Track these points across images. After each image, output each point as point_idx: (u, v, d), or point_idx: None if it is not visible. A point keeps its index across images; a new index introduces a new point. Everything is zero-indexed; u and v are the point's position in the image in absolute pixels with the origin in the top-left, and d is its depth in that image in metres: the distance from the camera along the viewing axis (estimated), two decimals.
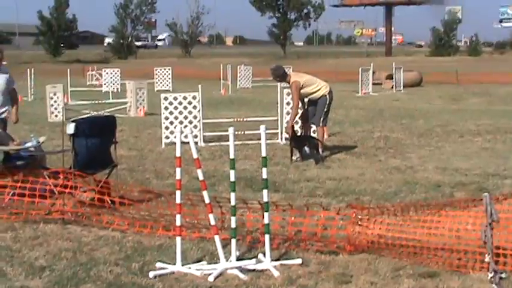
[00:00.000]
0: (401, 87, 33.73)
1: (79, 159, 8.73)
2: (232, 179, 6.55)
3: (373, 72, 34.18)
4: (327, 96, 12.83)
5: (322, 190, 9.98)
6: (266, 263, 6.53)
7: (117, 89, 33.66)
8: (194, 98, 14.94)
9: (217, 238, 6.55)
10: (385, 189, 10.01)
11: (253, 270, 6.43)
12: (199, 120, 14.96)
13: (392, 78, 34.68)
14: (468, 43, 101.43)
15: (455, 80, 40.19)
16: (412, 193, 9.71)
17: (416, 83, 37.16)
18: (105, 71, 36.85)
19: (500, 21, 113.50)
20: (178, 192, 6.61)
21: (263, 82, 35.89)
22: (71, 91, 29.00)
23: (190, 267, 6.47)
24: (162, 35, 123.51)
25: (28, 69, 32.10)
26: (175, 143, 6.71)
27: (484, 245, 5.88)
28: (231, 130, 6.51)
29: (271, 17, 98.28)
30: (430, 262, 6.42)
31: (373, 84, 33.19)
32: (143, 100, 22.49)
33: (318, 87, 12.81)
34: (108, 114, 17.59)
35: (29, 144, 9.78)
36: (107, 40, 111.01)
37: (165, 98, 14.98)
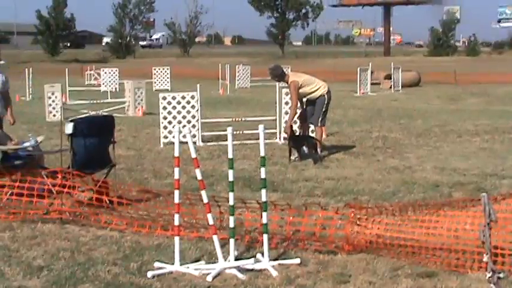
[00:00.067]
0: (400, 87, 33.74)
1: (77, 158, 8.73)
2: (230, 178, 6.55)
3: (372, 72, 34.17)
4: (325, 96, 12.83)
5: (321, 190, 9.98)
6: (264, 262, 6.53)
7: (116, 88, 33.62)
8: (193, 97, 14.94)
9: (215, 238, 6.55)
10: (383, 189, 10.01)
11: (252, 270, 6.43)
12: (198, 120, 14.96)
13: (390, 78, 34.68)
14: (466, 43, 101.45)
15: (454, 80, 40.19)
16: (410, 193, 9.71)
17: (414, 83, 37.16)
18: (103, 70, 36.80)
19: (499, 21, 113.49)
20: (176, 192, 6.61)
21: (261, 82, 35.89)
22: (69, 91, 28.99)
23: (188, 267, 6.47)
24: (157, 35, 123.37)
25: (26, 69, 32.08)
26: (173, 143, 6.71)
27: (482, 245, 5.89)
28: (229, 130, 6.51)
29: (270, 16, 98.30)
30: (428, 262, 6.43)
31: (372, 84, 33.18)
32: (141, 100, 22.47)
33: (316, 87, 12.82)
34: (106, 113, 17.58)
35: (27, 144, 9.77)
36: (105, 40, 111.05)
37: (164, 98, 14.97)
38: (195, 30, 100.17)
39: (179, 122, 14.64)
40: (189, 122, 14.82)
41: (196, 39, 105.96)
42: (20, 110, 23.76)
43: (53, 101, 21.16)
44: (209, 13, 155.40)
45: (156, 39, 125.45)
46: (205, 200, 6.62)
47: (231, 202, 6.55)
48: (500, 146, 14.29)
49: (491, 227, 5.87)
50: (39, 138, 10.09)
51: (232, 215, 6.56)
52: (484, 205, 5.83)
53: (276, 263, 6.56)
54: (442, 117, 20.14)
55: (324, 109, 12.82)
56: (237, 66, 38.66)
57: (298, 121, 13.47)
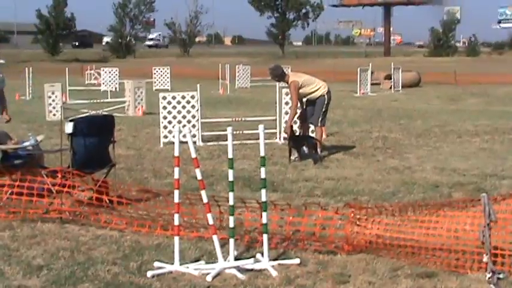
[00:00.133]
0: (400, 88, 33.73)
1: (77, 158, 8.73)
2: (230, 178, 6.55)
3: (372, 73, 34.17)
4: (325, 96, 12.83)
5: (321, 190, 9.98)
6: (264, 262, 6.53)
7: (116, 88, 33.60)
8: (193, 97, 14.94)
9: (215, 238, 6.55)
10: (383, 189, 10.01)
11: (251, 270, 6.43)
12: (198, 120, 14.96)
13: (390, 78, 34.67)
14: (467, 44, 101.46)
15: (454, 80, 40.19)
16: (410, 193, 9.71)
17: (414, 83, 37.15)
18: (103, 70, 36.80)
19: (499, 22, 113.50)
20: (176, 192, 6.61)
21: (261, 82, 35.88)
22: (69, 90, 28.99)
23: (188, 267, 6.47)
24: (153, 34, 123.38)
25: (26, 68, 32.08)
26: (173, 143, 6.71)
27: (482, 245, 5.89)
28: (229, 130, 6.51)
29: (270, 16, 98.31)
30: (428, 262, 6.43)
31: (372, 84, 33.17)
32: (142, 99, 22.47)
33: (316, 87, 12.82)
34: (106, 113, 17.57)
35: (27, 143, 9.77)
36: (106, 39, 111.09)
37: (164, 98, 14.97)
38: (195, 30, 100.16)
39: (179, 122, 14.64)
40: (189, 121, 14.82)
41: (197, 39, 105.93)
42: (20, 109, 23.79)
43: (53, 101, 21.16)
44: (209, 13, 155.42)
45: (152, 38, 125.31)
46: (205, 200, 6.62)
47: (231, 202, 6.55)
48: (500, 146, 14.29)
49: (491, 227, 5.87)
50: (39, 138, 10.09)
51: (232, 215, 6.56)
52: (484, 205, 5.83)
53: (275, 263, 6.56)
54: (442, 118, 20.14)
55: (324, 109, 12.82)
56: (237, 66, 38.66)
57: (298, 121, 13.47)
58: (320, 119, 12.82)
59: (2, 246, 7.26)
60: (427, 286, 6.03)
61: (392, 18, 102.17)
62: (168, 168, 11.47)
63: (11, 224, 8.07)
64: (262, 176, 6.64)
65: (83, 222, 8.05)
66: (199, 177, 6.60)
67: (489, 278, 5.81)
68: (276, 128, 14.96)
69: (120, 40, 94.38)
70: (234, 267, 6.40)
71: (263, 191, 6.64)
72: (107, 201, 8.37)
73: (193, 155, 6.57)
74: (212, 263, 6.57)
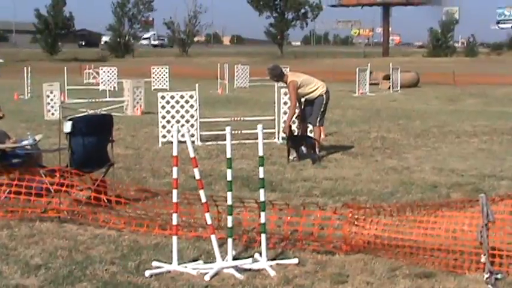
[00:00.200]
0: (398, 88, 33.74)
1: (75, 157, 8.72)
2: (228, 178, 6.55)
3: (370, 73, 34.18)
4: (324, 96, 12.83)
5: (319, 190, 9.98)
6: (262, 262, 6.52)
7: (114, 87, 33.61)
8: (191, 97, 14.94)
9: (213, 237, 6.55)
10: (381, 190, 10.01)
11: (250, 269, 6.43)
12: (196, 119, 14.96)
13: (389, 78, 34.69)
14: (465, 44, 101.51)
15: (452, 80, 40.22)
16: (408, 193, 9.72)
17: (413, 83, 37.17)
18: (102, 69, 36.82)
19: (498, 23, 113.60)
20: (174, 191, 6.61)
21: (260, 82, 35.89)
22: (68, 89, 28.96)
23: (186, 267, 6.47)
24: (147, 34, 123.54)
25: (25, 67, 32.05)
26: (172, 142, 6.71)
27: (480, 246, 5.90)
28: (228, 129, 6.50)
29: (269, 16, 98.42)
30: (426, 262, 6.43)
31: (370, 84, 33.19)
32: (140, 99, 22.47)
33: (315, 87, 12.82)
34: (105, 112, 17.57)
35: (25, 142, 9.76)
36: (104, 39, 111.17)
37: (162, 97, 14.97)
38: (194, 29, 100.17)
39: (178, 122, 14.64)
40: (187, 121, 14.82)
41: (195, 39, 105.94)
42: (18, 108, 23.79)
43: (52, 100, 21.16)
44: (208, 12, 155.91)
45: (146, 38, 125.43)
46: (204, 200, 6.62)
47: (229, 202, 6.55)
48: (499, 147, 14.30)
49: (489, 228, 5.88)
50: (38, 137, 10.08)
51: (231, 214, 6.55)
52: (482, 206, 5.84)
53: (273, 262, 6.56)
54: (440, 118, 20.15)
55: (322, 109, 12.82)
56: (235, 66, 38.67)
57: (296, 121, 13.47)
58: (318, 118, 12.82)
59: (0, 246, 7.26)
60: (425, 286, 6.03)
61: (391, 19, 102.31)
62: (166, 168, 11.47)
63: (9, 223, 8.06)
64: (261, 175, 6.64)
65: (81, 221, 8.05)
66: (197, 176, 6.60)
67: (487, 278, 5.82)
68: (274, 128, 14.97)
69: (118, 39, 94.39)
70: (232, 267, 6.40)
71: (261, 191, 6.64)
72: (105, 201, 8.37)
73: (192, 155, 6.57)
74: (210, 262, 6.57)
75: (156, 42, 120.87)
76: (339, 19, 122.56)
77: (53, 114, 20.68)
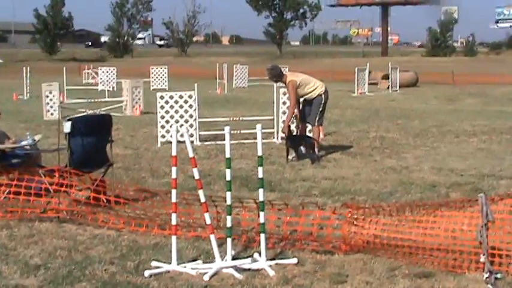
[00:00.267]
0: (397, 88, 33.76)
1: (74, 157, 8.71)
2: (228, 178, 6.55)
3: (369, 72, 34.19)
4: (323, 95, 12.83)
5: (318, 190, 9.98)
6: (261, 262, 6.52)
7: (113, 87, 33.61)
8: (190, 96, 14.94)
9: (212, 237, 6.55)
10: (380, 189, 10.01)
11: (249, 269, 6.43)
12: (195, 119, 14.96)
13: (388, 78, 34.71)
14: (464, 43, 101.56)
15: (451, 80, 40.23)
16: (407, 193, 9.71)
17: (412, 83, 37.19)
18: (101, 69, 36.82)
19: (497, 22, 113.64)
20: (173, 191, 6.61)
21: (259, 81, 35.91)
22: (67, 89, 28.96)
23: (185, 266, 6.46)
24: (142, 34, 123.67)
25: (24, 68, 32.05)
26: (171, 142, 6.71)
27: (479, 246, 5.90)
28: (226, 129, 6.50)
29: (268, 16, 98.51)
30: (425, 262, 6.43)
31: (369, 84, 33.21)
32: (139, 99, 22.47)
33: (313, 86, 12.82)
34: (104, 112, 17.56)
35: (24, 143, 9.76)
36: (103, 39, 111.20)
37: (161, 97, 14.97)
38: (192, 29, 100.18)
39: (177, 121, 14.64)
40: (186, 121, 14.82)
41: (194, 39, 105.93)
42: (17, 108, 23.79)
43: (51, 100, 21.16)
44: (207, 12, 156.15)
45: (140, 38, 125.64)
46: (203, 200, 6.62)
47: (228, 201, 6.55)
48: (498, 146, 14.30)
49: (489, 227, 5.88)
50: (37, 137, 10.08)
51: (230, 214, 6.55)
52: (482, 206, 5.84)
53: (273, 262, 6.56)
54: (439, 118, 20.16)
55: (321, 108, 12.82)
56: (234, 66, 38.68)
57: (295, 121, 13.47)
58: (317, 118, 12.82)
59: None
60: (424, 286, 6.03)
61: (390, 18, 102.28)
62: (165, 168, 11.47)
63: (8, 223, 8.06)
64: (260, 175, 6.64)
65: (80, 221, 8.04)
66: (196, 176, 6.60)
67: (486, 278, 5.82)
68: (273, 128, 14.97)
69: (117, 40, 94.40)
70: (232, 267, 6.40)
71: (260, 191, 6.64)
72: (105, 201, 8.37)
73: (191, 155, 6.56)
74: (209, 262, 6.57)
75: (162, 42, 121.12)
76: (337, 19, 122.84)
77: (52, 114, 20.68)
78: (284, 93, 14.38)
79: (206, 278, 6.21)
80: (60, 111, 15.96)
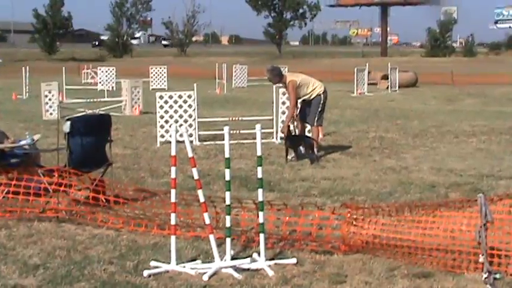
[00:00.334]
0: (397, 88, 33.75)
1: (74, 157, 8.71)
2: (227, 178, 6.54)
3: (369, 73, 34.20)
4: (322, 95, 12.83)
5: (317, 190, 9.98)
6: (261, 262, 6.52)
7: (113, 87, 33.61)
8: (189, 96, 14.94)
9: (211, 237, 6.55)
10: (379, 190, 10.01)
11: (248, 269, 6.43)
12: (195, 119, 14.95)
13: (387, 78, 34.70)
14: (464, 44, 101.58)
15: (451, 80, 40.24)
16: (406, 193, 9.71)
17: (411, 83, 37.19)
18: (100, 69, 36.82)
19: (496, 22, 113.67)
20: (173, 191, 6.60)
21: (258, 81, 35.90)
22: (66, 89, 28.95)
23: (184, 266, 6.46)
24: (138, 33, 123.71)
25: (23, 67, 32.05)
26: (170, 142, 6.71)
27: (478, 246, 5.90)
28: (226, 129, 6.50)
29: (267, 16, 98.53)
30: (424, 262, 6.43)
31: (369, 84, 33.20)
32: (138, 99, 22.46)
33: (313, 86, 12.82)
34: (103, 112, 17.56)
35: (23, 142, 9.75)
36: (102, 38, 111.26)
37: (161, 97, 14.97)
38: (192, 29, 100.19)
39: (176, 121, 14.64)
40: (185, 121, 14.81)
41: (193, 39, 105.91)
42: (16, 108, 23.78)
43: (50, 100, 21.15)
44: (206, 12, 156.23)
45: (135, 37, 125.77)
46: (202, 199, 6.61)
47: (228, 201, 6.55)
48: (497, 147, 14.30)
49: (488, 227, 5.88)
50: (36, 137, 10.07)
51: (229, 214, 6.55)
52: (481, 206, 5.84)
53: (272, 262, 6.56)
54: (438, 118, 20.16)
55: (320, 109, 12.82)
56: (234, 66, 38.67)
57: (294, 121, 13.46)
58: (316, 118, 12.82)
59: None
60: (423, 286, 6.03)
61: (389, 18, 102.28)
62: (164, 168, 11.47)
63: (7, 223, 8.05)
64: (259, 175, 6.64)
65: (79, 221, 8.04)
66: (196, 176, 6.60)
67: (485, 278, 5.82)
68: (272, 128, 14.96)
69: (117, 39, 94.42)
70: (231, 267, 6.40)
71: (260, 191, 6.64)
72: (104, 201, 8.36)
73: (190, 155, 6.56)
74: (209, 262, 6.57)
75: (167, 42, 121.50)
76: (337, 19, 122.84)
77: (51, 114, 20.66)
78: (283, 93, 14.38)
79: (205, 278, 6.21)
80: (59, 111, 15.99)
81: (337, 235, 6.98)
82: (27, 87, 30.59)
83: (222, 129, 6.63)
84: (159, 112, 14.89)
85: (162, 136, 14.70)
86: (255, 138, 6.67)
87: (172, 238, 6.58)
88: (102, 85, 34.28)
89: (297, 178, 10.87)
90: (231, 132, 6.60)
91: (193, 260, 6.70)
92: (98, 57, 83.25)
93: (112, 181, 9.14)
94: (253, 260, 6.57)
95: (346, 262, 6.62)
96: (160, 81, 37.33)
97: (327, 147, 13.80)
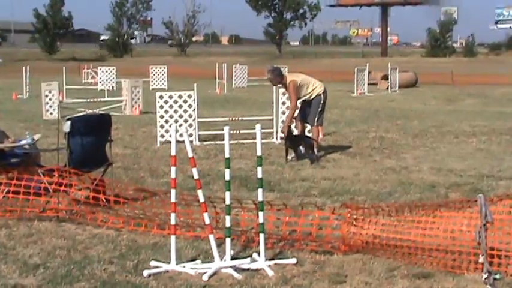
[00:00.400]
0: (397, 88, 33.75)
1: (74, 157, 8.71)
2: (227, 178, 6.55)
3: (369, 73, 34.19)
4: (321, 95, 12.83)
5: (317, 190, 9.97)
6: (260, 262, 6.52)
7: (113, 87, 33.61)
8: (189, 96, 14.94)
9: (211, 237, 6.55)
10: (379, 190, 10.01)
11: (248, 269, 6.42)
12: (195, 119, 14.95)
13: (387, 78, 34.69)
14: (464, 44, 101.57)
15: (451, 80, 40.24)
16: (406, 193, 9.71)
17: (411, 83, 37.18)
18: (100, 69, 36.82)
19: (496, 23, 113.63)
20: (173, 191, 6.60)
21: (258, 81, 35.90)
22: (66, 89, 28.95)
23: (184, 266, 6.46)
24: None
25: (23, 67, 32.04)
26: (170, 142, 6.71)
27: (478, 246, 5.90)
28: (226, 129, 6.50)
29: (267, 16, 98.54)
30: (424, 263, 6.43)
31: (369, 84, 33.21)
32: (138, 98, 22.46)
33: (313, 86, 12.82)
34: (103, 112, 17.56)
35: (23, 142, 9.75)
36: (102, 38, 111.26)
37: (161, 97, 14.97)
38: (192, 29, 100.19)
39: (176, 121, 14.64)
40: (186, 121, 14.81)
41: (194, 39, 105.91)
42: (17, 108, 23.78)
43: (50, 99, 21.15)
44: (206, 12, 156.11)
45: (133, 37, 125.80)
46: (202, 199, 6.61)
47: (227, 201, 6.55)
48: (497, 147, 14.30)
49: (488, 228, 5.88)
50: (36, 136, 10.07)
51: (229, 214, 6.55)
52: (481, 206, 5.84)
53: (272, 262, 6.56)
54: (438, 118, 20.16)
55: (320, 108, 12.82)
56: (234, 66, 38.67)
57: (294, 121, 13.46)
58: (316, 118, 12.82)
59: None
60: (423, 286, 6.03)
61: (390, 19, 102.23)
62: (164, 168, 11.47)
63: (7, 222, 8.06)
64: (259, 175, 6.64)
65: (79, 221, 8.04)
66: (196, 176, 6.60)
67: (485, 278, 5.82)
68: (272, 128, 14.96)
69: (117, 39, 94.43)
70: (231, 267, 6.40)
71: (260, 191, 6.64)
72: (104, 200, 8.37)
73: (190, 155, 6.56)
74: (208, 262, 6.57)
75: (169, 42, 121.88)
76: (337, 19, 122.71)
77: (51, 113, 20.67)
78: (283, 94, 14.37)
79: (205, 277, 6.21)
80: (59, 110, 15.99)
81: (337, 235, 6.98)
82: (27, 87, 30.59)
83: (222, 129, 6.63)
84: (159, 112, 14.89)
85: (162, 136, 14.70)
86: (255, 138, 6.67)
87: (172, 238, 6.58)
88: (102, 85, 34.28)
89: (297, 178, 10.87)
90: (231, 132, 6.60)
91: (193, 260, 6.70)
92: (98, 57, 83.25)
93: (112, 181, 9.14)
94: (253, 260, 6.57)
95: (346, 262, 6.62)
96: (161, 81, 37.33)
97: (327, 147, 13.80)
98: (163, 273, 6.36)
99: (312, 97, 12.80)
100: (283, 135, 13.06)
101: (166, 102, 14.89)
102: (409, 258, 6.51)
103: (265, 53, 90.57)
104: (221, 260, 6.48)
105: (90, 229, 7.81)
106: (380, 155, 13.23)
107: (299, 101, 12.92)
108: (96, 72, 38.81)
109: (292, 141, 12.56)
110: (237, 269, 6.39)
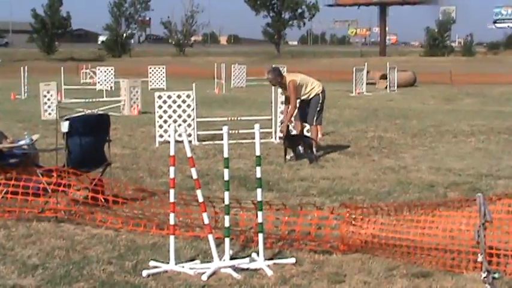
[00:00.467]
0: (395, 87, 33.76)
1: (72, 157, 8.71)
2: (226, 177, 6.55)
3: (367, 72, 34.21)
4: (320, 95, 12.84)
5: (316, 189, 9.97)
6: (259, 262, 6.52)
7: (111, 87, 33.59)
8: (188, 96, 14.93)
9: (210, 237, 6.55)
10: (378, 189, 10.01)
11: (247, 269, 6.42)
12: (193, 119, 14.95)
13: (386, 78, 34.71)
14: (462, 43, 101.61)
15: (449, 80, 40.26)
16: (405, 193, 9.72)
17: (410, 83, 37.20)
18: (99, 69, 36.80)
19: (495, 22, 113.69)
20: (172, 191, 6.60)
21: (257, 81, 35.91)
22: (64, 89, 28.96)
23: (183, 266, 6.46)
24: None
25: (22, 67, 32.02)
26: (169, 142, 6.70)
27: (477, 245, 5.89)
28: (225, 129, 6.50)
29: (266, 16, 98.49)
30: (423, 262, 6.43)
31: (367, 84, 33.23)
32: (137, 98, 22.45)
33: (311, 86, 12.83)
34: (102, 112, 17.55)
35: (22, 142, 9.74)
36: (101, 38, 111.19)
37: (159, 97, 14.96)
38: (191, 29, 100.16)
39: (175, 121, 14.63)
40: (184, 121, 14.81)
41: (192, 38, 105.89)
42: (15, 108, 23.77)
43: (49, 100, 21.12)
44: (205, 12, 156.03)
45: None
46: (201, 199, 6.61)
47: (226, 201, 6.55)
48: (496, 146, 14.31)
49: (486, 227, 5.87)
50: (35, 137, 10.07)
51: (228, 214, 6.55)
52: (479, 205, 5.84)
53: (271, 262, 6.55)
54: (437, 118, 20.16)
55: (318, 108, 12.83)
56: (232, 66, 38.68)
57: (293, 120, 13.46)
58: (315, 118, 12.83)
59: None
60: (422, 286, 6.03)
61: (388, 18, 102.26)
62: (163, 168, 11.47)
63: (6, 223, 8.05)
64: (258, 175, 6.64)
65: (78, 221, 8.04)
66: (194, 176, 6.60)
67: (484, 277, 5.82)
68: (271, 128, 14.96)
69: (115, 39, 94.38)
70: (230, 267, 6.40)
71: (259, 191, 6.64)
72: (103, 201, 8.36)
73: (189, 154, 6.56)
74: (207, 262, 6.57)
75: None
76: (335, 19, 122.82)
77: (50, 114, 20.65)
78: (282, 93, 14.36)
79: (204, 277, 6.21)
80: (58, 110, 15.96)
81: (336, 235, 6.98)
82: (25, 87, 30.57)
83: (221, 129, 6.62)
84: (157, 112, 14.88)
85: (161, 136, 14.70)
86: (253, 138, 6.67)
87: (171, 238, 6.58)
88: (100, 85, 34.25)
89: (296, 178, 10.87)
90: (230, 132, 6.60)
91: (192, 259, 6.70)
92: (97, 57, 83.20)
93: (111, 181, 9.13)
94: (252, 260, 6.57)
95: (345, 262, 6.62)
96: (159, 81, 37.33)
97: (325, 147, 13.80)
98: (162, 273, 6.36)
99: (310, 97, 12.80)
100: (282, 134, 13.06)
101: (165, 102, 14.88)
102: (408, 258, 6.51)
103: (264, 53, 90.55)
104: (220, 259, 6.48)
105: (89, 229, 7.81)
106: (379, 154, 13.24)
107: (298, 100, 12.92)
108: (94, 72, 38.79)
109: (291, 141, 12.57)
110: (236, 268, 6.39)
